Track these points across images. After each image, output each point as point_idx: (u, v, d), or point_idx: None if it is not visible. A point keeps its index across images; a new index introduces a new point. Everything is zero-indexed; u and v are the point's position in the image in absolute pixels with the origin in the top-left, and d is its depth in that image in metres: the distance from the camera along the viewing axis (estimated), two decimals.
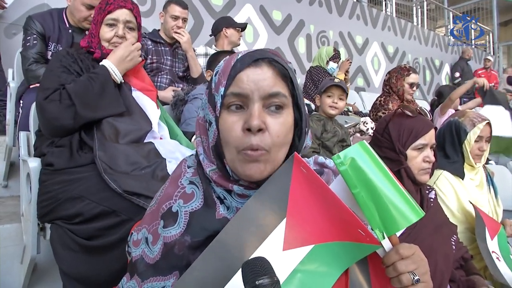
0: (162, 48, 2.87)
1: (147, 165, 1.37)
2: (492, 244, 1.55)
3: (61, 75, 1.45)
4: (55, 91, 1.40)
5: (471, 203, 1.67)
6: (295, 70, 0.75)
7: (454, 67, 8.24)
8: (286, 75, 0.71)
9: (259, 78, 0.69)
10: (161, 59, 2.82)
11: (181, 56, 2.94)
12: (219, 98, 0.71)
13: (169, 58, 2.88)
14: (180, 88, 2.64)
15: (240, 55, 0.72)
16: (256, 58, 0.70)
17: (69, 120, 1.38)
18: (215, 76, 0.74)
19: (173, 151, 1.49)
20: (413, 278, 0.62)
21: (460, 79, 7.92)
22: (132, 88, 1.60)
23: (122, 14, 1.55)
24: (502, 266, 1.50)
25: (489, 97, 4.50)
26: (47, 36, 2.29)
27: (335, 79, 2.28)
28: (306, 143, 0.78)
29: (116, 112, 1.47)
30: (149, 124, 1.55)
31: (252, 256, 0.63)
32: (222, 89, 0.70)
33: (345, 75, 4.17)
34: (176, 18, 2.85)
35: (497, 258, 1.52)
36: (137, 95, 1.60)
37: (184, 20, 2.91)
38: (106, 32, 1.56)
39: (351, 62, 4.23)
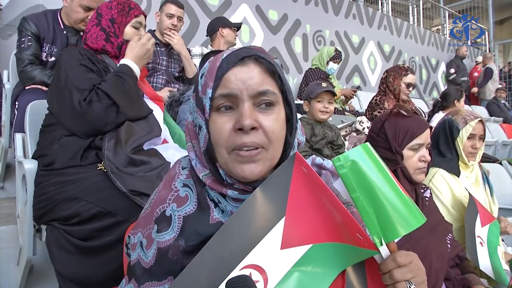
0: (158, 48, 2.86)
1: (155, 166, 1.37)
2: (481, 230, 1.56)
3: (87, 74, 1.44)
4: (90, 91, 1.39)
5: (467, 189, 1.69)
6: (282, 66, 0.75)
7: (450, 63, 8.29)
8: (273, 71, 0.70)
9: (246, 77, 0.68)
10: (156, 59, 2.82)
11: (177, 56, 2.93)
12: (208, 101, 0.69)
13: (164, 58, 2.87)
14: (175, 89, 2.64)
15: (225, 55, 0.70)
16: (242, 56, 0.69)
17: (112, 119, 1.39)
18: (201, 78, 0.73)
19: (175, 155, 1.49)
20: (409, 287, 0.62)
21: (455, 75, 7.97)
22: (144, 96, 1.61)
23: (143, 19, 1.67)
24: (482, 252, 1.51)
25: None
26: (41, 37, 2.28)
27: (322, 83, 2.27)
28: (299, 139, 0.77)
29: (147, 113, 1.52)
30: (159, 130, 1.56)
31: (250, 253, 0.63)
32: (210, 91, 0.69)
33: (346, 98, 4.16)
34: (171, 16, 2.86)
35: (481, 243, 1.53)
36: (148, 102, 1.61)
37: (180, 19, 2.91)
38: (135, 33, 1.63)
39: (354, 94, 4.21)
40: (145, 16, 1.69)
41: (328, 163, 0.84)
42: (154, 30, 2.96)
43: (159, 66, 2.83)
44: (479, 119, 1.82)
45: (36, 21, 2.27)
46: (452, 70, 8.06)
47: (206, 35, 3.51)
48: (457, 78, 7.94)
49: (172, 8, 2.88)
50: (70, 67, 1.44)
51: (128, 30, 1.62)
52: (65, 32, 2.33)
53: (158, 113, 1.62)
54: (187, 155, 0.82)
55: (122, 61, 1.53)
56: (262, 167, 0.68)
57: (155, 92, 1.72)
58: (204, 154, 0.73)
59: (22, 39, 2.24)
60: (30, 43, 2.23)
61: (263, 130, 0.67)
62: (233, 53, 0.70)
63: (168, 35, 2.82)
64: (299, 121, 0.80)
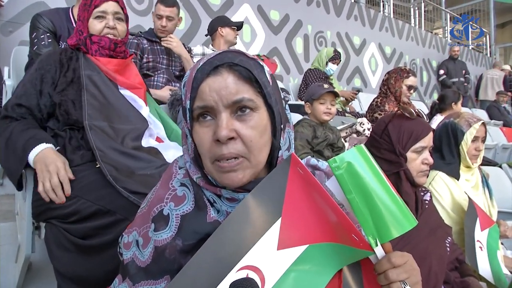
0: (158, 47, 2.84)
1: (156, 166, 1.36)
2: (480, 235, 1.56)
3: (24, 90, 1.44)
4: (4, 118, 1.40)
5: (466, 193, 1.69)
6: (264, 66, 0.73)
7: (440, 65, 8.29)
8: (250, 77, 0.68)
9: (220, 87, 0.67)
10: (157, 58, 2.80)
11: (177, 54, 2.92)
12: (188, 112, 0.70)
13: (165, 57, 2.85)
14: (177, 87, 2.63)
15: (201, 63, 0.70)
16: (215, 65, 0.68)
17: None
18: (182, 88, 0.73)
19: (176, 156, 1.48)
20: (404, 287, 0.62)
21: (444, 76, 7.98)
22: (119, 87, 1.57)
23: (110, 6, 1.55)
24: (482, 256, 1.51)
25: None
26: (58, 34, 2.25)
27: (324, 85, 2.26)
28: (290, 140, 0.77)
29: None
30: (144, 122, 1.54)
31: (247, 255, 0.63)
32: (188, 103, 0.70)
33: (346, 101, 4.13)
34: (160, 17, 2.77)
35: (480, 247, 1.53)
36: (125, 93, 1.58)
37: (169, 18, 2.80)
38: (95, 25, 1.54)
39: (355, 96, 4.12)
40: (117, 2, 1.57)
41: (322, 164, 0.85)
42: (153, 29, 2.93)
43: (160, 65, 2.82)
44: (482, 121, 1.82)
45: (51, 18, 2.23)
46: (441, 72, 8.08)
47: (206, 35, 3.50)
48: (446, 79, 7.95)
49: (160, 8, 2.77)
50: (23, 80, 1.49)
51: (91, 23, 1.54)
52: None
53: (137, 101, 1.60)
54: (183, 155, 0.83)
55: (33, 153, 1.30)
56: (243, 175, 0.68)
57: (131, 81, 1.63)
58: (193, 160, 0.75)
59: (41, 36, 2.17)
60: (50, 40, 2.18)
61: (241, 139, 0.67)
62: (208, 61, 0.69)
63: (165, 40, 2.72)
64: (289, 117, 0.79)
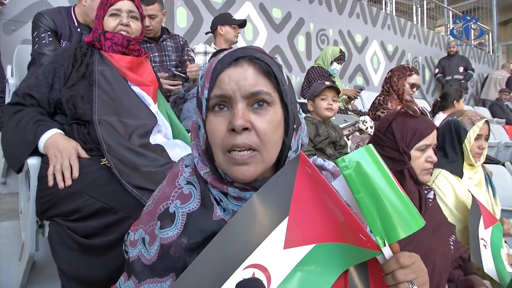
0: (147, 45, 2.80)
1: (161, 164, 1.37)
2: (484, 233, 1.57)
3: (37, 82, 1.47)
4: (16, 103, 1.44)
5: (469, 191, 1.69)
6: (281, 66, 0.75)
7: (437, 63, 8.27)
8: (269, 72, 0.70)
9: (240, 78, 0.68)
10: (148, 57, 2.76)
11: (170, 48, 2.86)
12: (204, 101, 0.71)
13: (156, 54, 2.80)
14: (166, 74, 2.57)
15: (221, 56, 0.71)
16: (236, 57, 0.69)
17: None
18: (200, 79, 0.74)
19: (180, 155, 1.49)
20: (412, 287, 0.62)
21: (440, 75, 7.95)
22: (129, 83, 1.60)
23: (125, 4, 1.59)
24: (486, 254, 1.51)
25: None
26: (58, 33, 2.27)
27: (325, 82, 2.26)
28: (302, 140, 0.77)
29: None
30: (154, 118, 1.57)
31: (253, 253, 0.63)
32: (206, 92, 0.71)
33: (348, 99, 4.13)
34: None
35: (484, 245, 1.53)
36: (135, 89, 1.60)
37: (151, 17, 2.71)
38: (110, 22, 1.58)
39: (358, 94, 4.12)
40: (133, 1, 1.60)
41: (329, 164, 0.85)
42: None
43: (153, 64, 2.76)
44: (485, 119, 1.82)
45: (53, 16, 2.27)
46: (437, 70, 8.07)
47: (206, 33, 3.49)
48: (440, 78, 7.93)
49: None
50: (37, 72, 1.52)
51: (106, 20, 1.58)
52: (79, 30, 2.34)
53: (144, 98, 1.61)
54: (190, 154, 0.83)
55: (48, 134, 1.36)
56: (255, 169, 0.69)
57: (143, 79, 1.65)
58: (203, 153, 0.75)
59: (42, 35, 2.21)
60: (51, 39, 2.21)
61: (256, 131, 0.68)
62: (229, 53, 0.71)
63: (192, 72, 2.54)
64: (303, 122, 0.80)
